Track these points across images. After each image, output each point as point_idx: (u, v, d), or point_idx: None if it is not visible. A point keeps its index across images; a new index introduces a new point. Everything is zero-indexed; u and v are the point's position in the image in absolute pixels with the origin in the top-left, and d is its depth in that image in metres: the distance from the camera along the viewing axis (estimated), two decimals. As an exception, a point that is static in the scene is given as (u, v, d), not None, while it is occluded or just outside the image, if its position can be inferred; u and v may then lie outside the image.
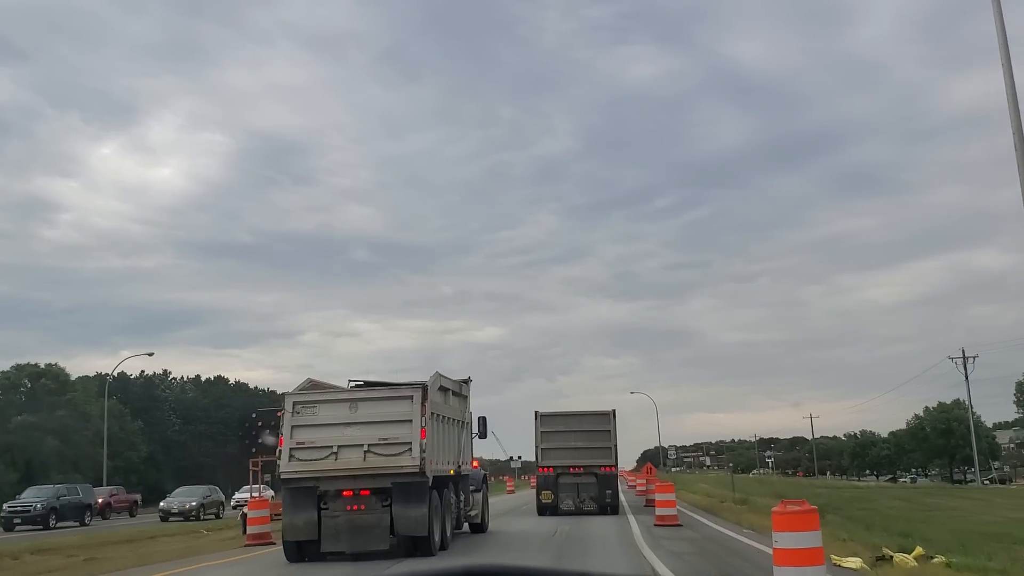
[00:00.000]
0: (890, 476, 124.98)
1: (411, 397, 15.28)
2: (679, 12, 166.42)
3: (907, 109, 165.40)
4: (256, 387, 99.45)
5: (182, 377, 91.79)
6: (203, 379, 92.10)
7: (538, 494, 27.75)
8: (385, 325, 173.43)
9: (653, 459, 73.33)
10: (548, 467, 27.42)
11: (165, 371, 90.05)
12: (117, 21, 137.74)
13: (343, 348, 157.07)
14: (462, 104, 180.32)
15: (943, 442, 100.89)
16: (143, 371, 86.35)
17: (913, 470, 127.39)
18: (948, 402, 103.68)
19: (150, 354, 55.66)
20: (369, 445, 14.93)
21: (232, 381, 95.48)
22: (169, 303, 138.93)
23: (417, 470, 14.76)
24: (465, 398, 20.07)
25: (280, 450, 15.17)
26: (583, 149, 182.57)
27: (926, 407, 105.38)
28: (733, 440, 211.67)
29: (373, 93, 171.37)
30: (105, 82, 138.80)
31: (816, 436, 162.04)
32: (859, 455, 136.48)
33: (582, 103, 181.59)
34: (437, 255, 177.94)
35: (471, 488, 19.94)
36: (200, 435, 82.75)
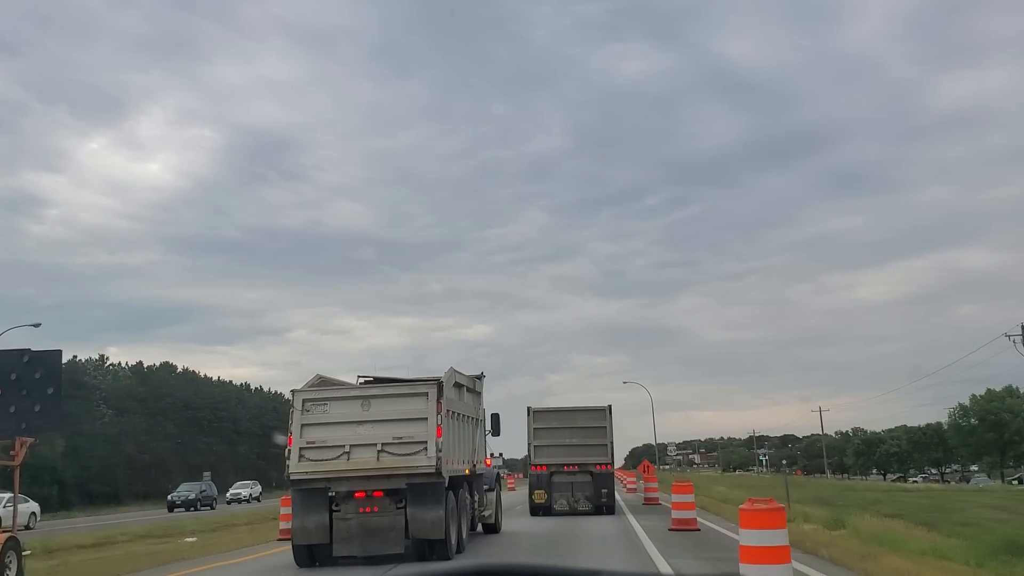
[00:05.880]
0: (899, 475, 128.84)
1: (426, 394, 16.20)
2: (672, 9, 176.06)
3: (898, 108, 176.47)
4: (205, 375, 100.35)
5: (120, 363, 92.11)
6: (145, 366, 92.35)
7: (531, 494, 28.96)
8: (374, 322, 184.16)
9: (648, 457, 74.91)
10: (541, 465, 28.64)
11: (102, 356, 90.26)
12: (106, 15, 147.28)
13: (331, 345, 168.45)
14: (453, 101, 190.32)
15: (993, 435, 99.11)
16: (75, 356, 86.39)
17: (926, 468, 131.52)
18: (970, 396, 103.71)
19: (36, 325, 54.38)
20: (383, 444, 15.79)
21: (180, 368, 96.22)
22: (156, 300, 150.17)
23: (433, 470, 15.66)
24: (479, 394, 21.23)
25: (289, 449, 16.03)
26: (574, 146, 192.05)
27: (973, 395, 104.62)
28: (722, 438, 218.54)
29: (363, 89, 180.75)
30: (94, 76, 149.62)
31: (808, 434, 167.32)
32: (864, 453, 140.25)
33: (574, 100, 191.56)
34: (427, 252, 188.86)
35: (484, 487, 21.10)
36: (135, 428, 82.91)
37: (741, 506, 11.15)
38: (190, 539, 25.97)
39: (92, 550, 24.25)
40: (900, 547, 15.09)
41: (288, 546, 19.63)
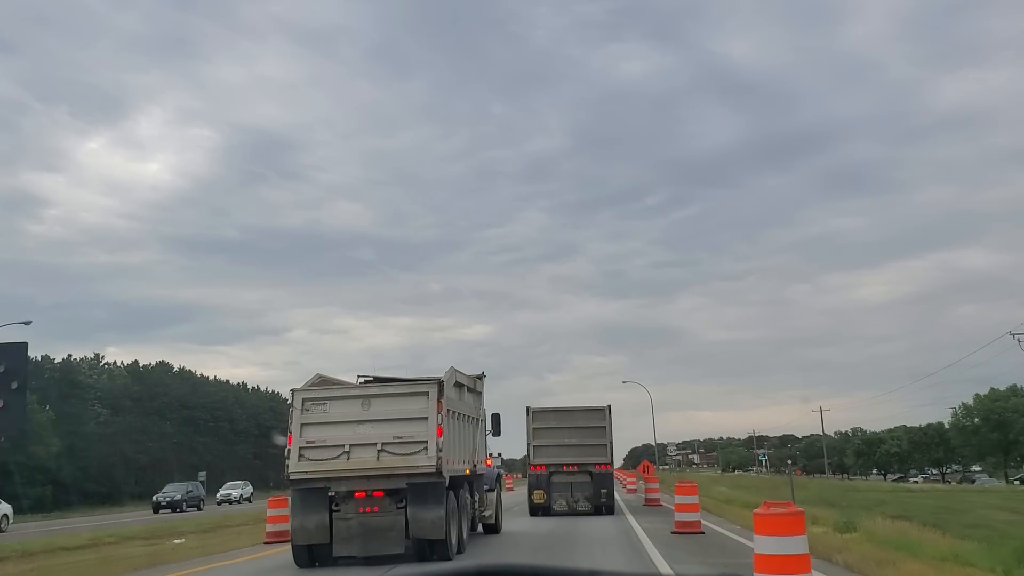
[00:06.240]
0: (899, 475, 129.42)
1: (427, 393, 16.26)
2: (672, 9, 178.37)
3: (898, 108, 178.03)
4: (202, 374, 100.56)
5: (115, 362, 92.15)
6: (141, 365, 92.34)
7: (530, 494, 29.14)
8: (373, 322, 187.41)
9: (647, 457, 74.97)
10: (540, 465, 28.78)
11: (97, 355, 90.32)
12: (106, 15, 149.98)
13: (331, 345, 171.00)
14: (453, 101, 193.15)
15: (997, 435, 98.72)
16: (70, 355, 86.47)
17: (927, 468, 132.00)
18: (980, 393, 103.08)
19: (27, 322, 53.40)
20: (383, 444, 15.83)
21: (176, 368, 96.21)
22: (155, 299, 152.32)
23: (433, 470, 15.71)
24: (479, 394, 21.34)
25: (288, 449, 16.06)
26: (573, 146, 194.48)
27: (976, 395, 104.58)
28: (721, 438, 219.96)
29: (362, 89, 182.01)
30: (93, 76, 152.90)
31: (808, 434, 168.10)
32: (864, 453, 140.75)
33: (573, 100, 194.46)
34: (426, 252, 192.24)
35: (485, 487, 21.19)
36: (130, 428, 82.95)
37: (756, 510, 10.25)
38: (178, 541, 25.53)
39: (75, 552, 23.60)
40: (918, 552, 14.36)
41: (275, 548, 19.80)
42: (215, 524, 32.71)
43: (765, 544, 9.69)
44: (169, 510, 53.67)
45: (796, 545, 9.59)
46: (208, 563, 18.64)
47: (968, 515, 28.66)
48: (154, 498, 57.16)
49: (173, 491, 57.46)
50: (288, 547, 17.03)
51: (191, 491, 58.37)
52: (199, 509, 55.40)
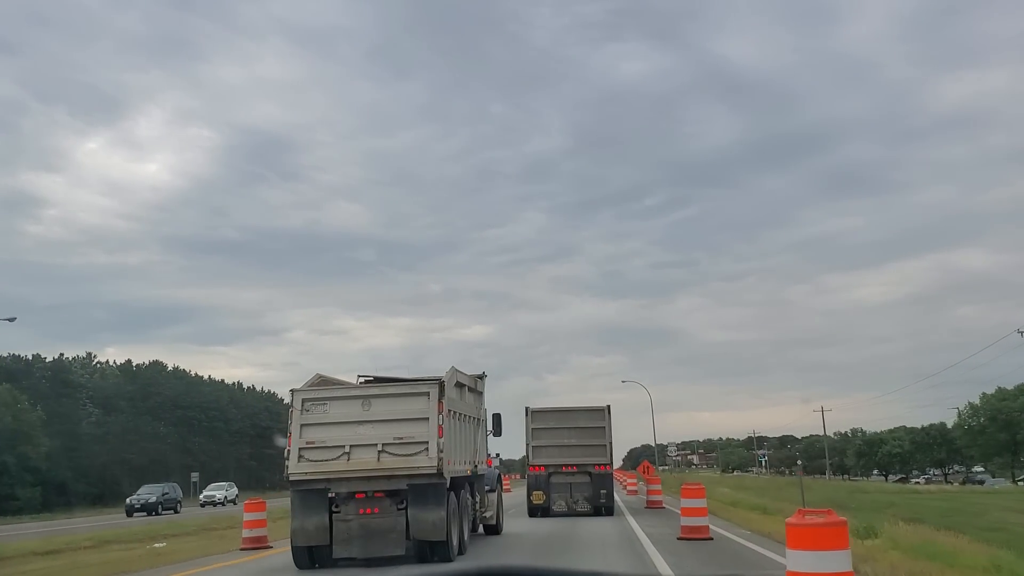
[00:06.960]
0: (901, 476, 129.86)
1: (427, 394, 16.27)
2: (671, 10, 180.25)
3: (897, 108, 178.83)
4: (196, 374, 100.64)
5: (108, 361, 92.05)
6: (135, 364, 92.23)
7: (529, 494, 29.21)
8: (372, 323, 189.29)
9: (647, 457, 75.02)
10: (539, 466, 28.86)
11: (89, 354, 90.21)
12: (105, 15, 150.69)
13: (330, 346, 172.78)
14: (452, 101, 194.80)
15: (1005, 436, 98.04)
16: (62, 354, 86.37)
17: (928, 469, 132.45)
18: (987, 392, 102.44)
19: (11, 319, 51.90)
20: (383, 444, 15.85)
21: (170, 367, 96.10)
22: (154, 300, 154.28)
23: (434, 471, 15.73)
24: (480, 394, 21.38)
25: (288, 450, 16.04)
26: (573, 147, 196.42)
27: (983, 394, 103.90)
28: (721, 438, 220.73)
29: (362, 89, 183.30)
30: (92, 76, 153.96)
31: (807, 435, 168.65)
32: (866, 453, 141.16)
33: (573, 101, 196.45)
34: (425, 253, 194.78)
35: (486, 488, 21.23)
36: (123, 428, 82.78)
37: (788, 519, 8.70)
38: (159, 544, 24.77)
39: (47, 558, 22.53)
40: (953, 562, 13.02)
41: (246, 556, 19.67)
42: (200, 527, 31.45)
43: (801, 560, 8.26)
44: (144, 513, 52.23)
45: (838, 561, 8.04)
46: (205, 564, 18.61)
47: (982, 517, 28.23)
48: (128, 500, 55.39)
49: (148, 493, 55.63)
50: (270, 552, 16.94)
51: (167, 493, 56.66)
52: (176, 512, 53.75)
